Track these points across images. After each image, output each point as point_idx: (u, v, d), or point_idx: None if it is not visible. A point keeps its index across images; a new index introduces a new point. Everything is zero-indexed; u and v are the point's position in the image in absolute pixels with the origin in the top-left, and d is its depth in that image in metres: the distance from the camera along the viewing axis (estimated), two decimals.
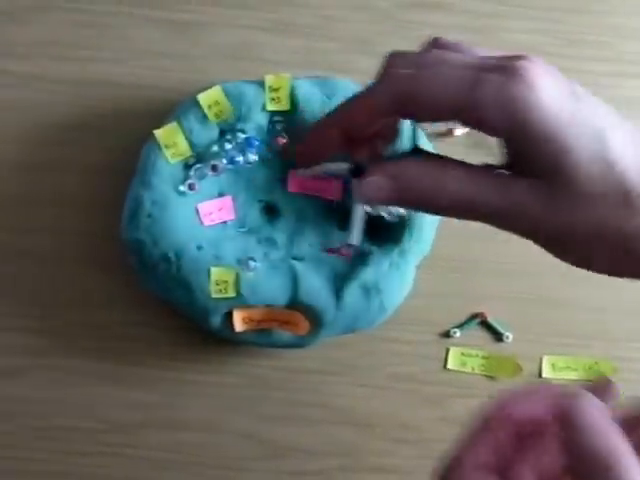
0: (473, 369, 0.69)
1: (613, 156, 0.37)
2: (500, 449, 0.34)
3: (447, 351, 0.70)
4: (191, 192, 0.62)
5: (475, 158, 0.69)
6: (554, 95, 0.38)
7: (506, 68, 0.38)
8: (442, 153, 0.65)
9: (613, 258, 0.39)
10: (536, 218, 0.38)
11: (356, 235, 0.42)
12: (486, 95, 0.37)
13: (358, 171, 0.43)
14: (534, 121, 0.37)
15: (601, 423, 0.30)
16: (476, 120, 0.39)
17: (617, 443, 0.30)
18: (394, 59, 0.42)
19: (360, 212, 0.44)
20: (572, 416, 0.30)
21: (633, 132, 0.39)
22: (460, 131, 0.69)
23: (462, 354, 0.69)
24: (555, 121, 0.37)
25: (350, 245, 0.46)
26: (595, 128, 0.37)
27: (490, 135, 0.40)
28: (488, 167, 0.41)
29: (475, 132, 0.68)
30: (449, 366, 0.70)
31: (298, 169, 0.48)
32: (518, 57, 0.39)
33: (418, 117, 0.41)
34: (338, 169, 0.43)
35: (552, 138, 0.37)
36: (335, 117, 0.45)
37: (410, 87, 0.39)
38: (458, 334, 0.69)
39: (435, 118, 0.40)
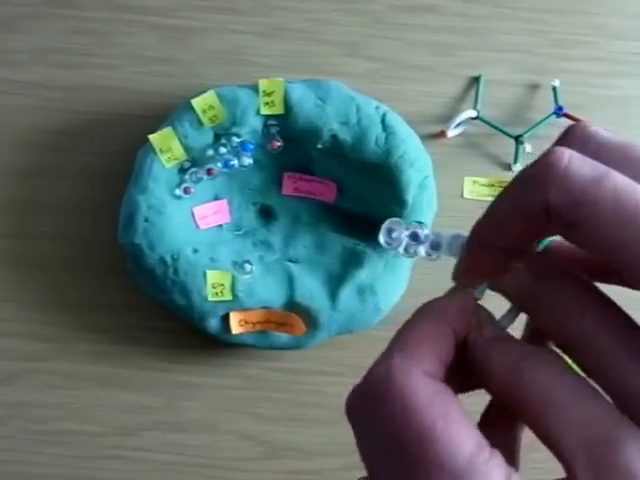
0: None
1: None
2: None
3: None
4: (187, 196, 0.63)
5: (468, 159, 0.70)
6: None
7: None
8: (435, 154, 0.66)
9: None
10: None
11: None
12: None
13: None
14: None
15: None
16: None
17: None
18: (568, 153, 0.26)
19: None
20: None
21: None
22: (453, 132, 0.69)
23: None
24: None
25: None
26: None
27: None
28: None
29: (468, 134, 0.70)
30: None
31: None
32: None
33: (586, 240, 0.26)
34: None
35: None
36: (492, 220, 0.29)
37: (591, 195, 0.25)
38: None
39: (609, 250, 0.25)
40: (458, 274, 0.32)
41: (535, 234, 0.28)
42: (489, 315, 0.31)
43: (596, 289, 0.28)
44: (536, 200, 0.26)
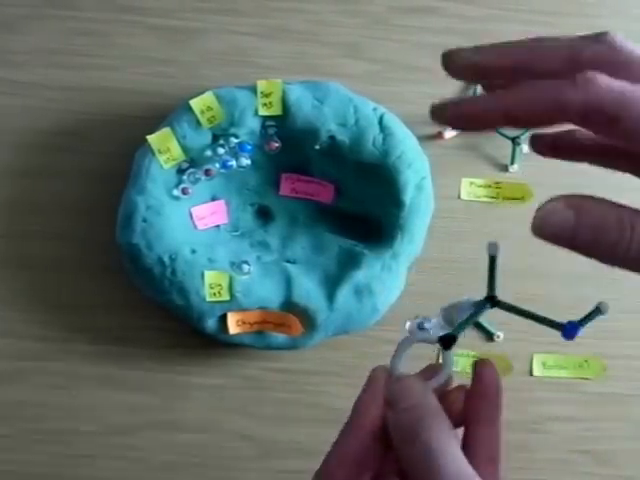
0: (464, 368, 0.70)
1: None
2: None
3: (439, 351, 0.70)
4: (185, 196, 0.63)
5: (466, 160, 0.71)
6: None
7: None
8: (433, 156, 0.67)
9: None
10: None
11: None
12: None
13: (448, 342, 0.41)
14: None
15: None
16: None
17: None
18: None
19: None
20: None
21: None
22: (450, 134, 0.69)
23: (454, 354, 0.70)
24: None
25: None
26: None
27: None
28: None
29: (465, 135, 0.70)
30: None
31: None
32: None
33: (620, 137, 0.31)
34: (428, 338, 0.43)
35: None
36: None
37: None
38: None
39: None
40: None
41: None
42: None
43: None
44: (578, 98, 0.30)
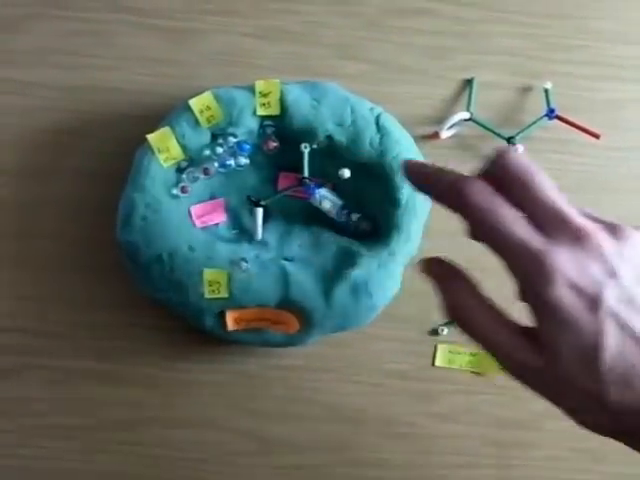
0: (461, 366, 0.71)
1: (600, 368, 0.39)
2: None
3: (435, 348, 0.71)
4: (184, 195, 0.63)
5: (462, 160, 0.71)
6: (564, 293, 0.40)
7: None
8: (429, 156, 0.67)
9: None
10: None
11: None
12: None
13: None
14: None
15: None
16: None
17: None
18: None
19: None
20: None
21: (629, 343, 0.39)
22: (446, 134, 0.70)
23: (450, 351, 0.71)
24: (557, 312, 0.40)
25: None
26: (589, 338, 0.39)
27: None
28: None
29: (461, 135, 0.70)
30: (437, 363, 0.71)
31: None
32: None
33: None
34: None
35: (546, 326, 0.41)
36: None
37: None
38: (446, 332, 0.71)
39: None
40: None
41: None
42: None
43: None
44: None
